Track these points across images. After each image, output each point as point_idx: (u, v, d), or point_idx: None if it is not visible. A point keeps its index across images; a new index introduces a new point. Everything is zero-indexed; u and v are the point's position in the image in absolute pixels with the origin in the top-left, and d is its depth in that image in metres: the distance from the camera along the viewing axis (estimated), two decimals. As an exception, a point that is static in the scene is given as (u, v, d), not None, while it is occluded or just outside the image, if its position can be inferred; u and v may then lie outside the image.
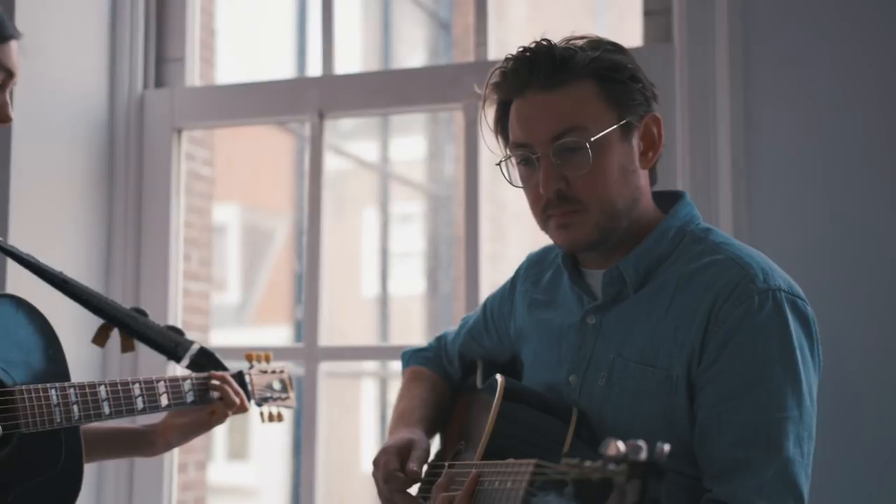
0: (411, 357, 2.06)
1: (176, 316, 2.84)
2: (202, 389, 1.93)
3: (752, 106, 2.32)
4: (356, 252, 9.28)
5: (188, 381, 1.92)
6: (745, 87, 2.32)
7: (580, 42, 1.68)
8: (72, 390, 1.71)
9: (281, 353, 2.65)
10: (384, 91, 2.69)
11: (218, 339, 8.41)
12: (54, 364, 1.75)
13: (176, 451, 2.83)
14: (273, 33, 7.99)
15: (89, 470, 2.66)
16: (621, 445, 1.10)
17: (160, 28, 2.87)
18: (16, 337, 1.71)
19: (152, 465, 2.75)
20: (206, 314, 4.59)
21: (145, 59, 2.84)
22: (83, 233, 2.76)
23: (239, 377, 2.00)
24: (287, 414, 2.13)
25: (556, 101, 1.64)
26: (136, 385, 1.83)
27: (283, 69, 7.73)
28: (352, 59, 8.17)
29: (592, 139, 1.61)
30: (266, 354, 2.11)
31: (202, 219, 4.53)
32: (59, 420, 1.69)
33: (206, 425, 1.94)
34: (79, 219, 2.75)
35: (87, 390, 1.74)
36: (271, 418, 2.11)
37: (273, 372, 2.10)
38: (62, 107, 2.71)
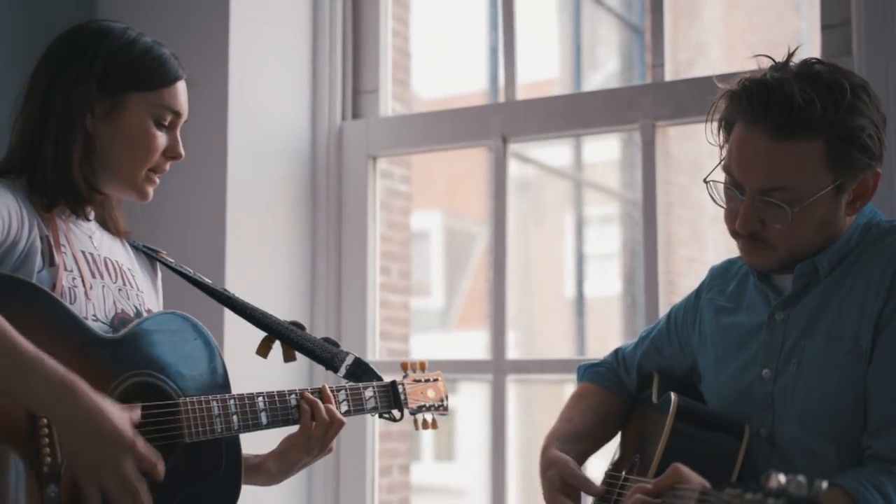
0: (584, 372, 2.11)
1: (374, 327, 3.04)
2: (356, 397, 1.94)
3: (933, 118, 2.28)
4: (559, 255, 9.36)
5: (369, 389, 1.95)
6: (927, 100, 2.29)
7: (826, 79, 1.62)
8: (232, 401, 1.74)
9: (471, 365, 2.77)
10: (563, 115, 2.80)
11: (420, 343, 8.68)
12: (217, 376, 1.78)
13: (376, 453, 3.03)
14: (467, 48, 8.19)
15: (300, 474, 2.90)
16: (782, 479, 1.17)
17: (356, 63, 3.08)
18: (182, 352, 1.75)
19: (355, 468, 2.96)
20: (407, 324, 4.79)
21: (343, 92, 3.06)
22: (289, 254, 2.98)
23: (392, 387, 2.00)
24: (441, 421, 2.12)
25: (777, 154, 1.62)
26: (293, 396, 1.84)
27: (476, 82, 7.92)
28: (549, 67, 8.27)
29: (797, 209, 1.62)
30: (421, 363, 2.12)
31: (401, 233, 4.73)
32: (219, 430, 1.72)
33: (301, 446, 1.88)
34: (285, 241, 2.97)
35: (247, 401, 1.77)
36: (425, 426, 2.09)
37: (427, 381, 2.09)
38: (270, 139, 2.95)
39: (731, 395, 1.79)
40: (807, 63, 1.67)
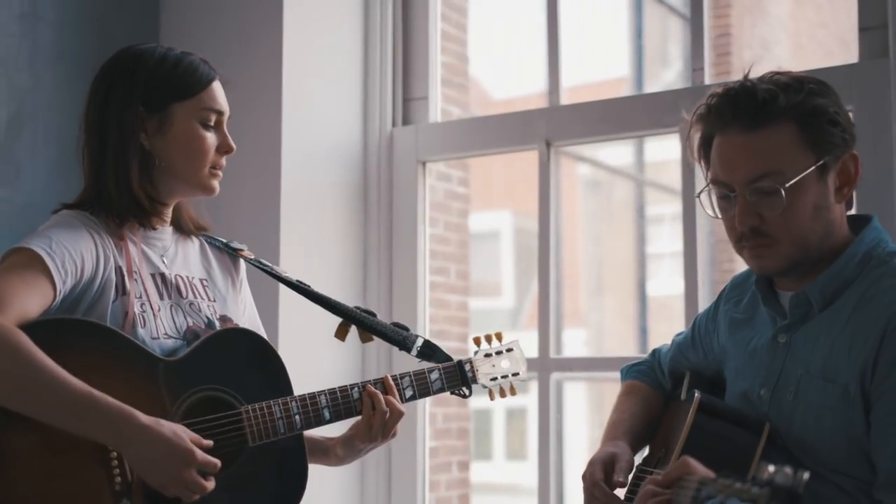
0: (628, 371, 2.20)
1: (424, 328, 3.12)
2: (423, 384, 2.02)
3: (968, 120, 2.28)
4: (630, 254, 9.34)
5: (434, 372, 2.03)
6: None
7: (785, 80, 1.74)
8: (293, 403, 1.86)
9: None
10: (606, 119, 2.85)
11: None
12: (278, 382, 1.90)
13: (427, 450, 3.10)
14: (529, 51, 8.24)
15: (353, 470, 3.02)
16: (771, 468, 1.25)
17: (406, 71, 3.18)
18: (243, 364, 1.88)
19: (407, 465, 3.04)
20: (465, 324, 4.84)
21: (393, 100, 3.16)
22: (342, 255, 3.08)
23: (458, 367, 2.06)
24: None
25: (754, 143, 1.72)
26: (355, 389, 1.94)
27: (537, 84, 7.99)
28: (621, 66, 8.28)
29: (787, 185, 1.69)
30: (497, 333, 2.16)
31: (459, 235, 4.79)
32: (282, 431, 1.84)
33: (367, 433, 1.97)
34: (338, 245, 3.07)
35: (308, 401, 1.88)
36: (502, 394, 2.13)
37: (499, 353, 2.14)
38: (323, 146, 3.06)
39: (743, 405, 1.86)
40: (765, 74, 1.78)
